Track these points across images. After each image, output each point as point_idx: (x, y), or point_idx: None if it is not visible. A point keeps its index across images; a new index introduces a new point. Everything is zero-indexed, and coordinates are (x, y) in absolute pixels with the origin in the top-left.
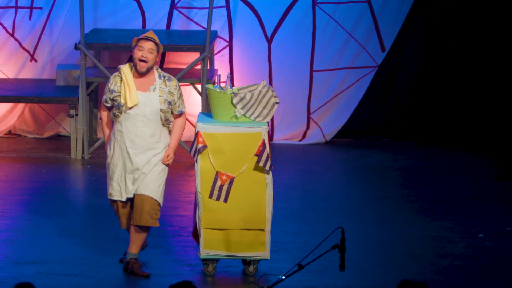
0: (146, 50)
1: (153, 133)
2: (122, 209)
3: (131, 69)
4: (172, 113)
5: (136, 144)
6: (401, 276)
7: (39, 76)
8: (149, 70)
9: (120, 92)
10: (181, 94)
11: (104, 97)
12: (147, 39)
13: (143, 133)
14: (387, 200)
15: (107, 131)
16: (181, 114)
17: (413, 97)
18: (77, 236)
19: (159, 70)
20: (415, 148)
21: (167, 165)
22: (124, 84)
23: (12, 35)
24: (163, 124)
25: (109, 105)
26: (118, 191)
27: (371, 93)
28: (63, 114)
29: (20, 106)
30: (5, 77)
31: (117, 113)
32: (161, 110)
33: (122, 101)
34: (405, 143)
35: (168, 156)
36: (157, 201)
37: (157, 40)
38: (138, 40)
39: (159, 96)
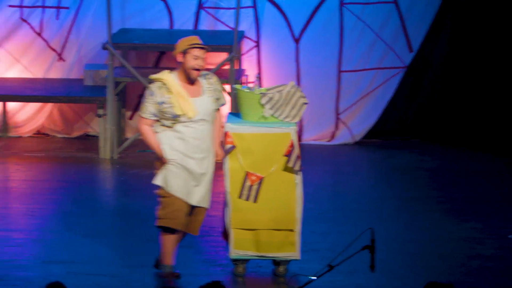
0: (201, 59)
1: (211, 135)
2: (185, 209)
3: (174, 77)
4: None
5: (201, 149)
6: (431, 278)
7: (66, 76)
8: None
9: (172, 104)
10: (221, 85)
11: (150, 110)
12: (202, 47)
13: (205, 137)
14: (416, 201)
15: (154, 140)
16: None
17: (441, 98)
18: (106, 236)
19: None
20: (444, 149)
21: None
22: (176, 95)
23: (39, 34)
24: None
25: (156, 118)
26: (185, 191)
27: (400, 94)
28: (92, 113)
29: (49, 105)
30: (33, 76)
31: (169, 124)
32: (214, 110)
33: (179, 112)
34: (433, 144)
35: (218, 154)
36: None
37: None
38: (192, 48)
39: (210, 96)
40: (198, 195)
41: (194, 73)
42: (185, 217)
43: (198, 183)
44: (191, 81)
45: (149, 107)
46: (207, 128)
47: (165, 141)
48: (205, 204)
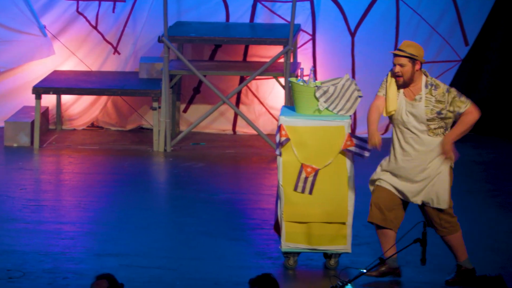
0: (397, 66)
1: (423, 143)
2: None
3: None
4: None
5: (406, 152)
6: (484, 272)
7: (122, 69)
8: (409, 81)
9: (386, 96)
10: (454, 97)
11: (383, 92)
12: (396, 54)
13: (412, 143)
14: (471, 195)
15: (372, 119)
16: (467, 111)
17: (497, 92)
18: (158, 229)
19: (428, 77)
20: (498, 142)
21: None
22: (387, 89)
23: (95, 28)
24: (437, 134)
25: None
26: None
27: (455, 87)
28: (146, 106)
29: (103, 98)
30: (88, 69)
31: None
32: (428, 120)
33: (389, 108)
34: (488, 137)
35: (443, 149)
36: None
37: (410, 53)
38: (393, 53)
39: (425, 106)
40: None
41: (396, 79)
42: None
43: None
44: (400, 84)
45: (382, 87)
46: (418, 137)
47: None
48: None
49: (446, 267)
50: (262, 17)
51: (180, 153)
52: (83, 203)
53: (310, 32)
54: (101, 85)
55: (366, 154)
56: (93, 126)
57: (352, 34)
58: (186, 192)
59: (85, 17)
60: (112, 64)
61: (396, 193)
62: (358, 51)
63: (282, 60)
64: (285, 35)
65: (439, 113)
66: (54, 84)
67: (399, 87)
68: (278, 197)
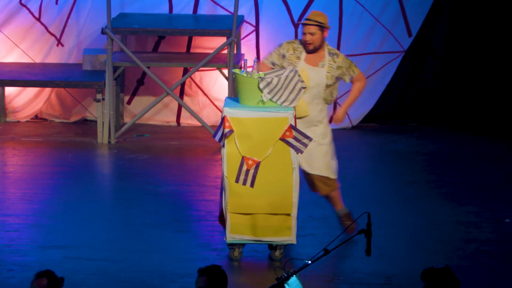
0: (308, 34)
1: (318, 108)
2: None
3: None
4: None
5: (299, 113)
6: (428, 262)
7: (65, 61)
8: (318, 47)
9: (291, 62)
10: (350, 63)
11: (271, 58)
12: (307, 23)
13: (306, 104)
14: (414, 185)
15: None
16: (357, 78)
17: (440, 82)
18: (104, 221)
19: (329, 46)
20: (442, 133)
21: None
22: (296, 57)
23: (38, 19)
24: (327, 102)
25: (273, 68)
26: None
27: (398, 78)
28: (90, 98)
29: (47, 90)
30: (32, 61)
31: None
32: (327, 85)
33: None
34: (432, 128)
35: (337, 114)
36: (324, 176)
37: (319, 22)
38: (301, 24)
39: (327, 72)
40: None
41: (306, 46)
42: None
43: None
44: (310, 52)
45: (272, 55)
46: (315, 102)
47: None
48: (314, 171)
49: (391, 257)
50: (205, 8)
51: (124, 145)
52: (28, 195)
53: (254, 24)
54: (45, 77)
55: (303, 149)
56: (37, 118)
57: (296, 25)
58: (130, 184)
59: (28, 9)
60: (55, 56)
61: None
62: None
63: (225, 51)
64: (228, 27)
65: (337, 78)
66: None
67: (308, 52)
68: (222, 188)
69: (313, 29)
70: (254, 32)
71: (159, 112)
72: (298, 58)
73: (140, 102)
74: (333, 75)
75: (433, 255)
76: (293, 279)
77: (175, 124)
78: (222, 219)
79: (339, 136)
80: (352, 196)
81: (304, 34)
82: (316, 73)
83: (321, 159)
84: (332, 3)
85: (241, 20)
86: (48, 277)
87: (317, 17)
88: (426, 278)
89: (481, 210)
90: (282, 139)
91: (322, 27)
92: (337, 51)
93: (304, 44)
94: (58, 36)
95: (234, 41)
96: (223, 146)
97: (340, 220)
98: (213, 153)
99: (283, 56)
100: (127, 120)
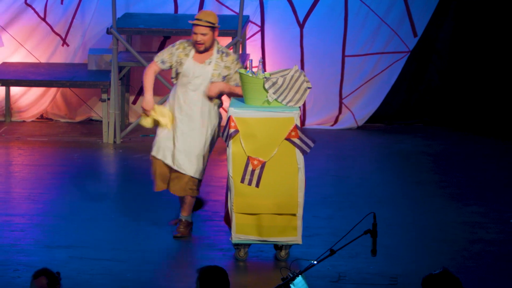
0: (199, 35)
1: (202, 104)
2: (159, 169)
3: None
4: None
5: (184, 111)
6: (433, 262)
7: (71, 61)
8: (209, 48)
9: (180, 58)
10: (240, 67)
11: (162, 56)
12: (198, 24)
13: (192, 102)
14: (419, 186)
15: (147, 84)
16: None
17: (445, 83)
18: (109, 221)
19: (219, 44)
20: (447, 133)
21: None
22: (186, 56)
23: (43, 19)
24: (213, 101)
25: (164, 66)
26: (162, 151)
27: (403, 78)
28: (95, 98)
29: (52, 90)
30: (37, 61)
31: (173, 77)
32: (212, 83)
33: (180, 69)
34: (437, 128)
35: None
36: (196, 178)
37: (210, 22)
38: (191, 23)
39: (214, 70)
40: (176, 158)
41: (197, 47)
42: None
43: (178, 145)
44: (201, 52)
45: (163, 54)
46: (199, 98)
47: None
48: (183, 169)
49: (397, 257)
50: (211, 8)
51: (130, 145)
52: (33, 195)
53: (259, 24)
54: (50, 77)
55: (307, 150)
56: (43, 118)
57: (301, 26)
58: (136, 184)
59: (33, 9)
60: (60, 56)
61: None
62: (306, 42)
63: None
64: (233, 27)
65: (223, 77)
66: (3, 76)
67: (199, 52)
68: (228, 188)
69: (205, 29)
70: (260, 32)
71: None
72: (187, 55)
73: None
74: (220, 73)
75: (439, 255)
76: (299, 279)
77: None
78: (227, 219)
79: (344, 136)
80: (358, 196)
81: (195, 34)
82: (202, 70)
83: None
84: (338, 4)
85: (246, 20)
86: (47, 275)
87: (209, 17)
88: (427, 286)
89: (487, 210)
90: (288, 139)
91: (213, 27)
92: (229, 51)
93: (194, 44)
94: (63, 36)
95: (239, 41)
96: (228, 146)
97: (180, 222)
98: (218, 153)
99: (172, 54)
100: (133, 120)
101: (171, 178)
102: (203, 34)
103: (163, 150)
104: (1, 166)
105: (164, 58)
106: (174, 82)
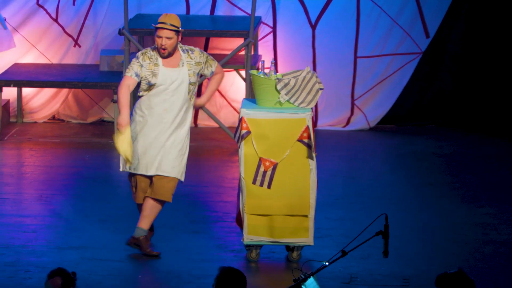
0: (164, 38)
1: (181, 107)
2: (142, 183)
3: (154, 50)
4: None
5: (164, 119)
6: (445, 263)
7: (82, 62)
8: (173, 52)
9: (151, 70)
10: (207, 56)
11: (134, 69)
12: (162, 27)
13: (173, 108)
14: (431, 187)
15: (123, 101)
16: (216, 71)
17: (457, 84)
18: (120, 222)
19: (181, 44)
20: (459, 135)
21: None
22: (154, 64)
23: (55, 20)
24: (190, 99)
25: (138, 79)
26: (144, 165)
27: (416, 80)
28: (107, 99)
29: (64, 91)
30: (49, 62)
31: (144, 89)
32: (190, 83)
33: (153, 81)
34: (449, 129)
35: (200, 100)
36: (177, 178)
37: (175, 25)
38: (155, 27)
39: (188, 70)
40: (157, 164)
41: (161, 52)
42: (144, 191)
43: (159, 151)
44: (166, 57)
45: (133, 67)
46: (179, 102)
47: (138, 106)
48: (166, 173)
49: (408, 258)
50: (223, 9)
51: None
52: (45, 196)
53: (271, 25)
54: (62, 77)
55: (315, 154)
56: (54, 119)
57: (313, 27)
58: None
59: (45, 10)
60: (72, 57)
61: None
62: (319, 43)
63: (243, 52)
64: (245, 28)
65: (198, 74)
66: (15, 77)
67: (164, 58)
68: (240, 189)
69: (170, 33)
70: (272, 33)
71: None
72: (156, 64)
73: None
74: (194, 71)
75: (451, 256)
76: (311, 281)
77: (192, 125)
78: (239, 220)
79: (356, 138)
80: (369, 197)
81: (159, 37)
82: (178, 74)
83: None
84: (350, 5)
85: (258, 21)
86: (62, 275)
87: (174, 21)
88: (441, 284)
89: (499, 211)
90: (300, 140)
91: (177, 31)
92: (190, 47)
93: (157, 49)
94: (75, 37)
95: (251, 42)
96: (240, 147)
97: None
98: (230, 154)
99: (142, 66)
100: None
101: (154, 183)
102: (168, 38)
103: (145, 164)
104: (13, 167)
105: (136, 71)
106: (143, 94)
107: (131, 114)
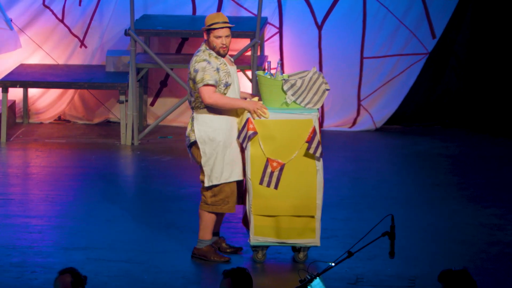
0: (224, 38)
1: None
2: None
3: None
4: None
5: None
6: (451, 264)
7: (88, 62)
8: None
9: (225, 71)
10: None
11: (214, 76)
12: (222, 27)
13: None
14: (437, 188)
15: (236, 100)
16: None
17: (463, 84)
18: (127, 222)
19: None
20: (465, 135)
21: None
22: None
23: (61, 21)
24: None
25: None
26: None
27: (422, 80)
28: (113, 100)
29: (70, 92)
30: (55, 63)
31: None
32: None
33: (230, 80)
34: (455, 130)
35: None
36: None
37: (229, 23)
38: (214, 28)
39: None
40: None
41: (222, 51)
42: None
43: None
44: (224, 56)
45: (212, 74)
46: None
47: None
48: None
49: (415, 259)
50: (229, 10)
51: (148, 147)
52: (51, 197)
53: (277, 25)
54: (68, 78)
55: (321, 154)
56: (60, 120)
57: (319, 27)
58: (153, 186)
59: (51, 10)
60: (78, 58)
61: None
62: (325, 44)
63: (249, 53)
64: (252, 28)
65: None
66: (21, 77)
67: (223, 56)
68: (246, 190)
69: (229, 31)
70: (278, 34)
71: (183, 114)
72: (225, 64)
73: (163, 104)
74: None
75: (457, 257)
76: (317, 281)
77: None
78: (245, 221)
79: (362, 138)
80: (375, 198)
81: (219, 37)
82: (235, 71)
83: None
84: (356, 5)
85: (264, 21)
86: (72, 273)
87: (226, 18)
88: (444, 280)
89: (505, 212)
90: (307, 142)
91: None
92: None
93: (216, 49)
94: (81, 38)
95: (257, 43)
96: (245, 148)
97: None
98: None
99: (217, 70)
100: (150, 121)
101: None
102: (227, 36)
103: (239, 169)
104: (19, 168)
105: (215, 77)
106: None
107: (203, 131)
